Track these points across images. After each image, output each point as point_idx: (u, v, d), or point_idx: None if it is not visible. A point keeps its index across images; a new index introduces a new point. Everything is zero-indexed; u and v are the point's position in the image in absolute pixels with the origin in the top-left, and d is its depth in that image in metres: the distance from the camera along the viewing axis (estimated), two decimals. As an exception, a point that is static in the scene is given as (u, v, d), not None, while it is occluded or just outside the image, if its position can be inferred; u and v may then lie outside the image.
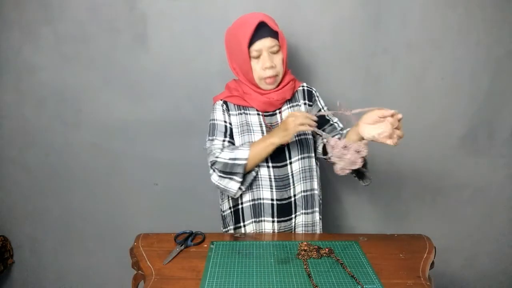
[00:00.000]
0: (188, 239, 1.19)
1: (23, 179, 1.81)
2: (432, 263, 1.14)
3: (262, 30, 1.18)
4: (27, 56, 1.64)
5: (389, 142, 1.00)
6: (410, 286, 1.00)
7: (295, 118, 1.11)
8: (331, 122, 1.31)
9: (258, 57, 1.20)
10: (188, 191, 1.78)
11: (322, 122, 1.29)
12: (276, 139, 1.16)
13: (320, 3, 1.54)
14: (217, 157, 1.20)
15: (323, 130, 1.28)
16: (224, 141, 1.25)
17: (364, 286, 0.98)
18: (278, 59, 1.22)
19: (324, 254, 1.11)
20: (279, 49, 1.22)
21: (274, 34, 1.20)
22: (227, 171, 1.19)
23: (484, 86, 1.63)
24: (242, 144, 1.24)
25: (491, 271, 1.90)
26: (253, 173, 1.24)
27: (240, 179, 1.20)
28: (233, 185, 1.21)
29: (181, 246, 1.16)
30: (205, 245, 1.18)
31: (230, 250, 1.15)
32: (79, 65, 1.64)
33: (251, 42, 1.18)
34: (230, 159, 1.19)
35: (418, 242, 1.20)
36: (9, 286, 1.98)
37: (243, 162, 1.17)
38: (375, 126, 1.02)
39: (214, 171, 1.22)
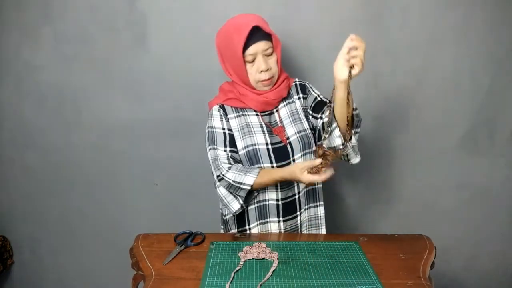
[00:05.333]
0: (188, 239, 1.19)
1: (23, 179, 1.81)
2: (433, 263, 1.14)
3: (256, 34, 1.16)
4: (27, 56, 1.64)
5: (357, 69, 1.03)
6: (410, 286, 1.00)
7: (302, 178, 1.11)
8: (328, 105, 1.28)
9: (252, 61, 1.19)
10: (188, 191, 1.78)
11: (322, 106, 1.26)
12: (288, 177, 1.16)
13: (320, 3, 1.54)
14: (224, 175, 1.20)
15: (323, 112, 1.24)
16: (225, 150, 1.23)
17: (364, 286, 0.98)
18: (272, 60, 1.21)
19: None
20: (273, 51, 1.21)
21: (268, 37, 1.19)
22: (231, 191, 1.21)
23: (484, 86, 1.63)
24: (251, 168, 1.21)
25: (492, 272, 1.89)
26: (254, 193, 1.24)
27: (242, 202, 1.21)
28: (235, 205, 1.22)
29: (181, 246, 1.16)
30: (205, 245, 1.18)
31: (230, 250, 1.15)
32: (79, 65, 1.64)
33: (245, 47, 1.17)
34: (235, 181, 1.18)
35: (419, 242, 1.20)
36: (9, 286, 1.98)
37: (247, 187, 1.17)
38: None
39: (219, 186, 1.22)
